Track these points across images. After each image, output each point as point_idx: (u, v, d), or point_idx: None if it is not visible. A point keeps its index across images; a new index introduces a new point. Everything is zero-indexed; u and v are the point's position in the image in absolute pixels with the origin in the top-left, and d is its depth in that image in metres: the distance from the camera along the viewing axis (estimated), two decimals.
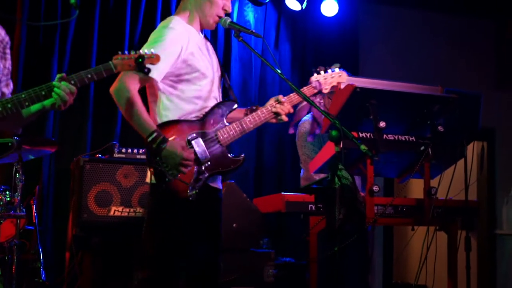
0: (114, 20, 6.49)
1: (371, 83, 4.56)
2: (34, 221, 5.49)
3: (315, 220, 4.68)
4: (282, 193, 4.68)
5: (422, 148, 4.52)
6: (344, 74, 4.12)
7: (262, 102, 6.99)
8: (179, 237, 3.45)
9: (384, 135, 4.44)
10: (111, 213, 5.32)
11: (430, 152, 4.51)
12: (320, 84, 3.98)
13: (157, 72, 3.38)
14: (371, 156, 3.68)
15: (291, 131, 5.19)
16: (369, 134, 4.41)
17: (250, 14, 7.24)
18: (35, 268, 5.35)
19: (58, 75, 3.00)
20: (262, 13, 7.31)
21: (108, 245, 5.34)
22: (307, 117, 5.38)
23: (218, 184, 3.66)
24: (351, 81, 4.29)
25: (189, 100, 3.51)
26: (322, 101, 5.06)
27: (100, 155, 5.49)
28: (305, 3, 7.13)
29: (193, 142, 3.42)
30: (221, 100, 3.70)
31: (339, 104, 4.25)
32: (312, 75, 4.06)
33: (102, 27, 6.43)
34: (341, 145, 3.50)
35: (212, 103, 3.58)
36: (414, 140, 4.58)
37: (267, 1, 7.19)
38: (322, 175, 4.89)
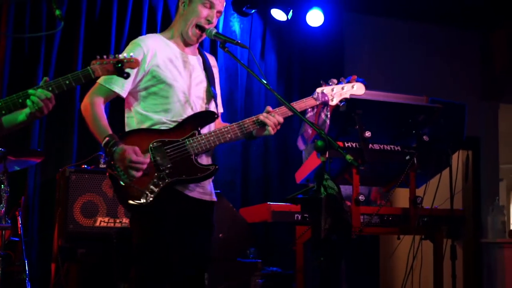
0: (100, 31, 6.49)
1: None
2: (19, 232, 5.45)
3: (302, 229, 4.69)
4: (268, 203, 4.68)
5: (408, 157, 4.54)
6: (360, 86, 3.88)
7: (248, 113, 7.03)
8: (152, 249, 3.44)
9: (370, 145, 4.47)
10: (97, 223, 5.30)
11: (415, 162, 4.53)
12: (325, 95, 3.78)
13: (118, 87, 3.46)
14: (357, 166, 3.69)
15: (302, 146, 4.99)
16: (355, 144, 4.43)
17: (236, 25, 7.25)
18: (20, 279, 5.32)
19: (43, 79, 3.00)
20: (248, 24, 7.33)
21: (94, 256, 5.32)
22: None
23: (209, 197, 3.65)
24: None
25: (158, 112, 3.53)
26: (328, 113, 4.92)
27: (86, 166, 5.48)
28: (290, 14, 7.15)
29: (154, 149, 3.42)
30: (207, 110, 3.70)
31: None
32: (320, 85, 3.84)
33: (87, 38, 6.43)
34: (327, 155, 3.51)
35: (186, 113, 3.58)
36: (400, 149, 4.61)
37: (252, 11, 7.21)
38: None
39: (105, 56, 3.09)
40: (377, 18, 8.16)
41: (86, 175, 5.34)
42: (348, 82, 3.87)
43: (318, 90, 3.79)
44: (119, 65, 3.06)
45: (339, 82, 3.85)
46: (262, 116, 3.59)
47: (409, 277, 4.63)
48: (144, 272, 3.43)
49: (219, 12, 3.68)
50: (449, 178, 4.74)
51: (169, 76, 3.54)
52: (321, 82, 3.83)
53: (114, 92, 3.47)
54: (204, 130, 3.57)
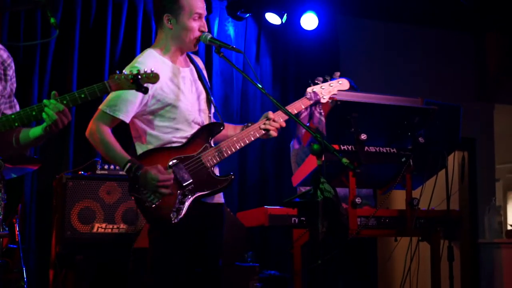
0: (94, 39, 6.49)
1: (352, 96, 4.60)
2: (17, 239, 5.45)
3: (299, 233, 4.70)
4: (266, 206, 4.69)
5: (404, 159, 4.56)
6: (345, 82, 3.99)
7: (244, 117, 7.04)
8: (180, 266, 3.48)
9: (366, 148, 4.48)
10: (95, 230, 5.31)
11: (411, 163, 4.55)
12: (316, 94, 3.91)
13: (122, 114, 3.46)
14: (353, 169, 3.70)
15: (296, 146, 5.10)
16: (350, 146, 4.44)
17: (231, 29, 7.26)
18: (19, 287, 5.31)
19: (52, 93, 2.96)
20: (242, 28, 7.34)
21: (91, 262, 5.32)
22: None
23: (219, 199, 3.70)
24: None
25: (168, 132, 3.55)
26: (322, 110, 5.00)
27: (82, 172, 5.48)
28: (285, 17, 7.16)
29: (174, 167, 3.44)
30: (209, 121, 3.72)
31: (325, 111, 4.28)
32: (309, 86, 3.99)
33: (82, 46, 6.42)
34: (323, 159, 3.52)
35: (194, 128, 3.60)
36: (395, 151, 4.62)
37: (247, 15, 7.22)
38: None
39: (125, 71, 3.06)
40: (371, 21, 8.18)
41: (83, 182, 5.34)
42: (334, 79, 3.98)
43: (309, 89, 3.92)
44: (138, 80, 3.01)
45: (325, 81, 3.95)
46: (263, 125, 3.69)
47: (406, 278, 4.64)
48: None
49: (204, 16, 3.71)
50: (445, 179, 4.76)
51: (172, 97, 3.55)
52: (309, 81, 3.95)
53: (119, 119, 3.47)
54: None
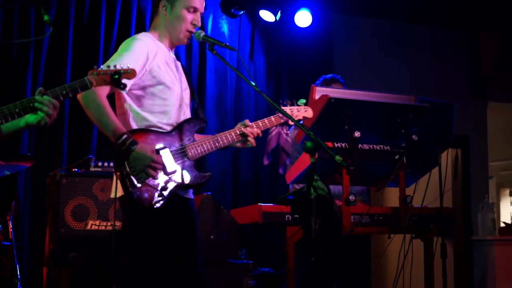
0: (88, 36, 6.48)
1: (346, 94, 4.61)
2: (10, 237, 5.45)
3: (292, 230, 4.70)
4: (259, 204, 4.69)
5: (397, 157, 4.56)
6: (310, 110, 4.09)
7: (238, 115, 7.05)
8: (158, 249, 3.46)
9: (359, 145, 4.49)
10: (88, 227, 5.31)
11: (404, 161, 4.56)
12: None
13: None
14: (346, 166, 3.72)
15: (266, 162, 5.16)
16: (344, 144, 4.45)
17: (225, 26, 7.26)
18: (12, 284, 5.31)
19: (38, 90, 2.98)
20: (236, 25, 7.34)
21: (85, 260, 5.31)
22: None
23: (190, 195, 3.70)
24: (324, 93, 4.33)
25: (155, 114, 3.54)
26: (288, 131, 5.07)
27: (76, 169, 5.48)
28: (279, 15, 7.16)
29: (161, 151, 3.43)
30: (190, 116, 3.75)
31: (314, 115, 4.29)
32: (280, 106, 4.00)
33: (76, 43, 6.41)
34: (316, 156, 3.53)
35: (181, 118, 3.61)
36: (389, 149, 4.63)
37: (241, 13, 7.22)
38: None
39: (102, 67, 3.07)
40: (365, 19, 8.19)
41: (77, 179, 5.34)
42: (300, 105, 4.08)
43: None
44: (116, 76, 3.02)
45: (292, 104, 4.04)
46: (241, 130, 3.75)
47: (400, 275, 4.65)
48: (140, 269, 3.43)
49: (201, 13, 3.73)
50: (438, 176, 4.77)
51: (168, 78, 3.57)
52: (280, 101, 4.00)
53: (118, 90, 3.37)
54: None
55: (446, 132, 4.92)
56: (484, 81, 8.65)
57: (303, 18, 7.30)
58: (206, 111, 6.95)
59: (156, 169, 3.33)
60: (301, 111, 4.04)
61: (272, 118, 3.95)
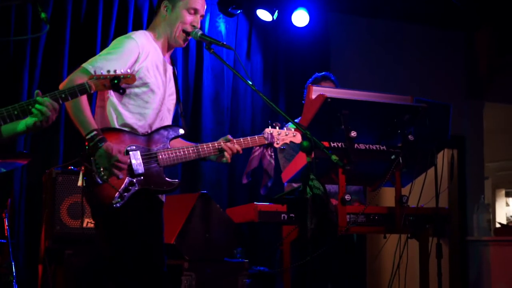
0: (85, 34, 6.48)
1: (342, 93, 4.61)
2: (6, 234, 5.45)
3: (288, 229, 4.71)
4: (255, 203, 4.70)
5: (393, 157, 4.57)
6: (298, 135, 4.04)
7: (235, 114, 7.05)
8: (130, 235, 3.50)
9: (356, 145, 4.49)
10: (84, 225, 5.30)
11: (400, 161, 4.56)
12: (272, 137, 3.96)
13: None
14: (343, 166, 3.72)
15: (244, 180, 5.10)
16: (340, 143, 4.45)
17: (222, 25, 7.26)
18: (7, 281, 5.31)
19: (35, 92, 2.98)
20: (233, 24, 7.34)
21: (81, 257, 5.31)
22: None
23: (162, 198, 3.72)
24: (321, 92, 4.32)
25: (133, 114, 3.56)
26: (272, 153, 4.93)
27: (72, 167, 5.47)
28: (276, 14, 7.17)
29: (130, 153, 3.45)
30: (170, 123, 3.76)
31: (311, 114, 4.29)
32: (268, 127, 4.01)
33: (73, 41, 6.40)
34: (313, 155, 3.53)
35: (158, 123, 3.62)
36: (385, 149, 4.64)
37: (238, 12, 7.22)
38: None
39: (102, 72, 3.08)
40: (362, 18, 8.20)
41: (73, 177, 5.33)
42: (290, 129, 4.03)
43: (267, 130, 3.96)
44: (116, 81, 3.05)
45: (281, 127, 4.00)
46: (218, 145, 3.75)
47: (395, 275, 4.66)
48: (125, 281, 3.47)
49: (201, 16, 3.74)
50: (434, 177, 4.78)
51: (154, 82, 3.58)
52: (269, 122, 3.99)
53: None
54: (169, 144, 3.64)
55: (442, 133, 4.93)
56: (481, 81, 8.66)
57: (300, 18, 7.31)
58: (203, 109, 6.96)
59: (120, 169, 3.35)
60: (289, 135, 4.01)
61: (256, 137, 3.94)
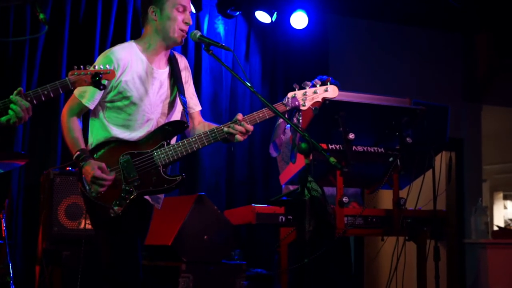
0: (84, 35, 6.48)
1: (341, 95, 4.59)
2: (3, 235, 5.44)
3: (286, 231, 4.71)
4: (253, 205, 4.70)
5: (391, 159, 4.57)
6: (334, 89, 3.65)
7: (233, 115, 7.02)
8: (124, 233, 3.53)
9: (354, 147, 4.49)
10: (82, 226, 5.29)
11: (398, 163, 4.56)
12: (295, 100, 3.63)
13: (89, 102, 3.55)
14: (340, 168, 3.70)
15: (273, 153, 4.91)
16: (338, 146, 4.45)
17: (221, 27, 7.26)
18: (4, 282, 5.29)
19: (18, 90, 3.02)
20: (232, 26, 7.34)
21: (78, 259, 5.30)
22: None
23: (157, 205, 3.72)
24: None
25: (119, 127, 3.59)
26: (300, 118, 4.64)
27: (70, 168, 5.47)
28: (275, 16, 7.17)
29: (121, 162, 3.50)
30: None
31: (309, 116, 4.29)
32: (294, 90, 3.69)
33: (72, 42, 6.41)
34: (311, 158, 3.52)
35: (144, 132, 3.60)
36: (383, 151, 4.64)
37: (237, 13, 7.23)
38: None
39: (82, 67, 3.14)
40: (361, 20, 8.20)
41: (71, 178, 5.33)
42: (322, 83, 3.67)
43: (289, 95, 3.67)
44: (97, 78, 3.11)
45: (312, 85, 3.68)
46: (226, 128, 3.56)
47: (393, 278, 4.66)
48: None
49: (190, 12, 3.73)
50: (432, 179, 4.78)
51: (136, 95, 3.57)
52: (294, 85, 3.68)
53: (87, 107, 3.56)
54: (173, 141, 3.63)
55: (440, 135, 4.93)
56: (479, 84, 8.67)
57: (299, 20, 7.31)
58: (201, 111, 6.95)
59: (101, 185, 3.41)
60: (319, 93, 3.65)
61: (274, 106, 3.61)
